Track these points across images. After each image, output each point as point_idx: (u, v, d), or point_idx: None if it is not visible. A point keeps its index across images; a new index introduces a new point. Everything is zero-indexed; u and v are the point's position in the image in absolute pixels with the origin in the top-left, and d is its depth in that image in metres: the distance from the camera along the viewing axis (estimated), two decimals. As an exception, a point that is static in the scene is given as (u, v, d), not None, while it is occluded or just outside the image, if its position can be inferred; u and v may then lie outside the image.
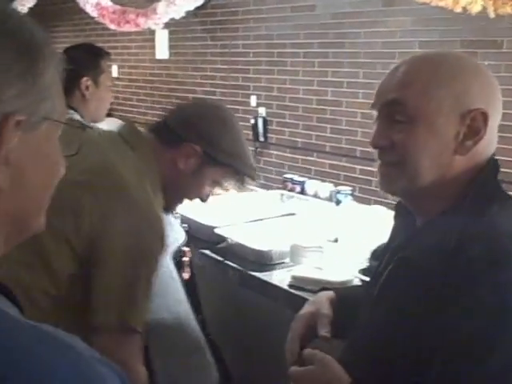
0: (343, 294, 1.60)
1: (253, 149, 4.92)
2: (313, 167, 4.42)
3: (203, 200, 2.00)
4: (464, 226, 1.20)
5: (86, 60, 2.90)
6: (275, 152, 4.78)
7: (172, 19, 4.88)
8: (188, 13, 4.82)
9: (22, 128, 0.73)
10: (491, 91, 1.27)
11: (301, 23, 4.47)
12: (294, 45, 4.54)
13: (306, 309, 1.57)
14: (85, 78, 2.85)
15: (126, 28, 4.41)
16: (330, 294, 1.58)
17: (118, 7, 4.43)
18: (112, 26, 4.48)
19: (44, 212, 0.84)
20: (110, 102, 3.15)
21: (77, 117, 2.81)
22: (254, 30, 4.85)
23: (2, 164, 0.72)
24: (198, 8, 5.02)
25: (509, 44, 3.34)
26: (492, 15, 2.78)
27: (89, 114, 2.89)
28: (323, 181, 3.96)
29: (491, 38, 3.41)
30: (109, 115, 3.44)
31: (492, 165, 1.28)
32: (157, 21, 4.32)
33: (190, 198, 2.00)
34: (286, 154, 4.68)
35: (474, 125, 1.22)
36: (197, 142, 1.82)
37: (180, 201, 1.98)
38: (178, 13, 4.35)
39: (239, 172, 1.91)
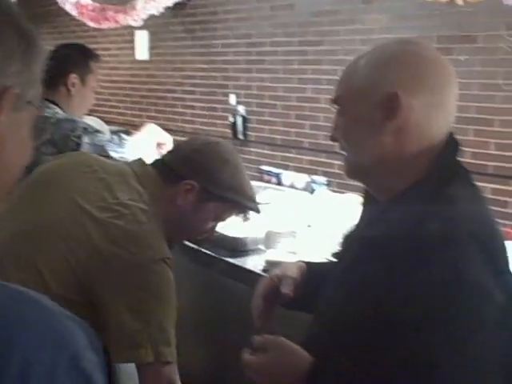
0: (313, 267, 1.64)
1: (232, 147, 4.94)
2: (291, 163, 4.43)
3: (209, 237, 2.01)
4: (423, 205, 1.26)
5: (77, 58, 3.05)
6: (254, 149, 4.79)
7: (151, 19, 4.89)
8: (167, 11, 4.82)
9: (13, 105, 0.79)
10: (413, 73, 1.33)
11: (280, 22, 4.50)
12: (273, 43, 4.56)
13: (273, 271, 1.62)
14: (73, 75, 2.99)
15: (106, 25, 4.42)
16: (301, 263, 1.61)
17: (96, 5, 4.43)
18: (91, 24, 4.49)
19: (4, 197, 0.89)
20: (92, 102, 3.25)
21: (59, 112, 2.87)
22: (234, 29, 4.87)
23: None
24: (177, 8, 5.03)
25: (483, 39, 3.37)
26: (460, 2, 2.82)
27: (70, 111, 2.99)
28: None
29: (466, 34, 3.45)
30: (88, 115, 3.49)
31: (451, 144, 1.33)
32: (135, 17, 4.33)
33: (194, 235, 2.01)
34: (265, 151, 4.69)
35: (389, 106, 1.30)
36: (194, 178, 1.84)
37: (182, 238, 2.00)
38: (156, 9, 4.36)
39: (240, 206, 1.92)
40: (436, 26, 3.58)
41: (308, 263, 1.64)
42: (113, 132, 3.18)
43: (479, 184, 1.40)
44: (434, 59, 1.36)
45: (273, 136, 4.63)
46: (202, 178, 1.85)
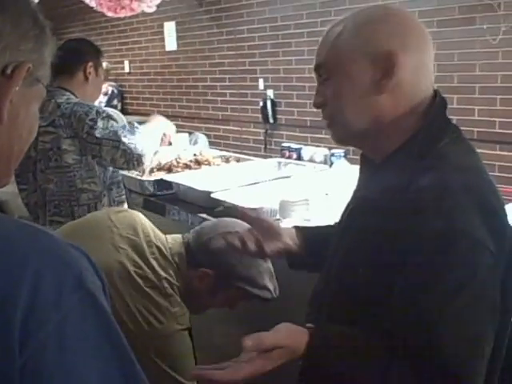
0: (313, 230, 1.77)
1: (263, 131, 4.98)
2: (322, 144, 4.45)
3: (231, 308, 2.14)
4: (415, 160, 1.29)
5: (91, 50, 3.21)
6: (285, 132, 4.82)
7: (178, 9, 4.90)
8: (192, 1, 4.83)
9: (24, 80, 0.87)
10: (403, 33, 1.34)
11: (303, 3, 4.51)
12: (298, 25, 4.58)
13: None
14: (90, 63, 3.11)
15: (122, 13, 4.52)
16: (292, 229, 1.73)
17: (113, -6, 4.54)
18: (110, 14, 4.60)
19: (13, 168, 0.95)
20: (100, 93, 3.47)
21: (72, 97, 2.98)
22: (258, 14, 4.90)
23: (9, 100, 0.86)
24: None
25: (506, 6, 3.33)
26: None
27: (84, 97, 3.09)
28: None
29: (489, 2, 3.41)
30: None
31: (438, 102, 1.36)
32: (149, 3, 4.42)
33: (213, 308, 2.16)
34: (296, 134, 4.72)
35: (385, 65, 1.31)
36: (210, 267, 2.00)
37: (202, 310, 2.15)
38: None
39: (253, 295, 2.04)
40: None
41: (305, 227, 1.75)
42: (128, 122, 3.33)
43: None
44: (416, 21, 1.40)
45: (302, 118, 4.65)
46: (217, 269, 2.00)
